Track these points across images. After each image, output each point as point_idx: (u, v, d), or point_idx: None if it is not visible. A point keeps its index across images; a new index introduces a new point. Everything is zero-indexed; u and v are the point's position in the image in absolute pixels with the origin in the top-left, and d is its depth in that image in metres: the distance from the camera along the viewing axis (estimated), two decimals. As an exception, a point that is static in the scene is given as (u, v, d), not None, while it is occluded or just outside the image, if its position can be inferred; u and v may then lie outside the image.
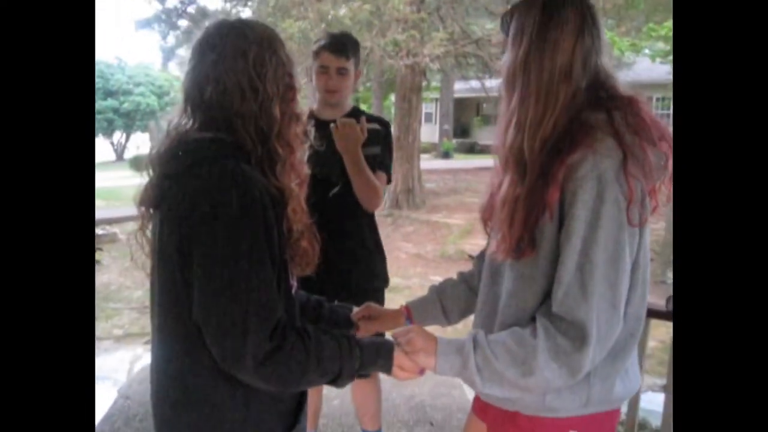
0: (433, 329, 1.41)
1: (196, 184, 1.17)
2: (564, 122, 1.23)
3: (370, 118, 2.54)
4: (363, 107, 23.70)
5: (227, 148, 1.22)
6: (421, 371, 1.32)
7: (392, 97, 17.00)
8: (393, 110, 14.61)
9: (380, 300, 2.60)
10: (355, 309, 1.68)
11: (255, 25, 1.30)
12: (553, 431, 1.33)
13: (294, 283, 1.36)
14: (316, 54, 2.52)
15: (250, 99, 1.23)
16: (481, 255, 1.59)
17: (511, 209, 1.26)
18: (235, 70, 1.23)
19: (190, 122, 1.26)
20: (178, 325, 1.22)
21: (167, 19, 15.64)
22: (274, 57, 1.26)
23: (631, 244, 1.19)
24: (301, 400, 1.38)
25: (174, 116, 1.29)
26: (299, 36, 9.82)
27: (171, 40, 16.03)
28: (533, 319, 1.24)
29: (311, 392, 2.70)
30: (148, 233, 1.31)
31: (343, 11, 10.89)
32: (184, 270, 1.18)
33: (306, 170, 1.35)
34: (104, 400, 3.67)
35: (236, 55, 1.23)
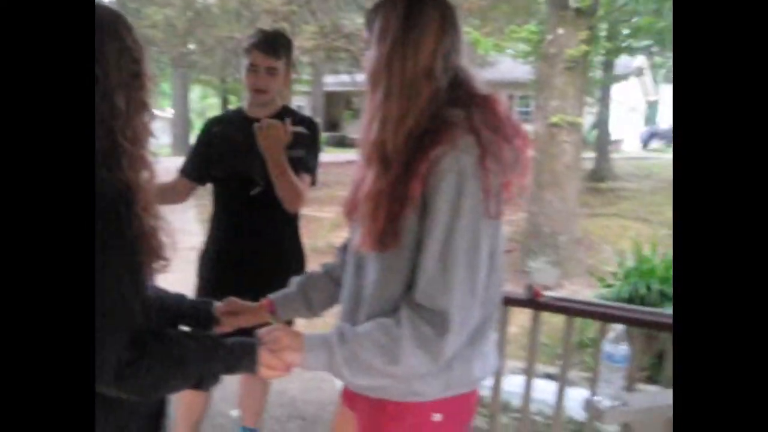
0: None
1: None
2: (426, 119, 1.28)
3: (297, 119, 2.50)
4: (232, 99, 23.22)
5: None
6: (289, 368, 1.32)
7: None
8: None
9: None
10: (217, 304, 1.63)
11: (96, 8, 1.17)
12: (418, 415, 1.38)
13: (149, 283, 1.29)
14: (247, 51, 2.48)
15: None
16: (344, 246, 1.62)
17: (375, 203, 1.29)
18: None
19: None
20: None
21: None
22: (116, 42, 1.16)
23: (488, 235, 1.26)
24: (162, 404, 1.33)
25: None
26: (164, 23, 9.48)
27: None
28: (398, 309, 1.28)
29: (195, 400, 2.65)
30: None
31: (211, 0, 10.62)
32: None
33: (152, 164, 1.25)
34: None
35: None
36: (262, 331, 1.34)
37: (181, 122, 23.52)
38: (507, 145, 1.27)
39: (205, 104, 32.99)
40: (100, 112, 1.13)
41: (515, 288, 2.85)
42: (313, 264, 2.03)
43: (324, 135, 24.97)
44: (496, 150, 1.24)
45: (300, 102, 26.21)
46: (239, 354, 1.27)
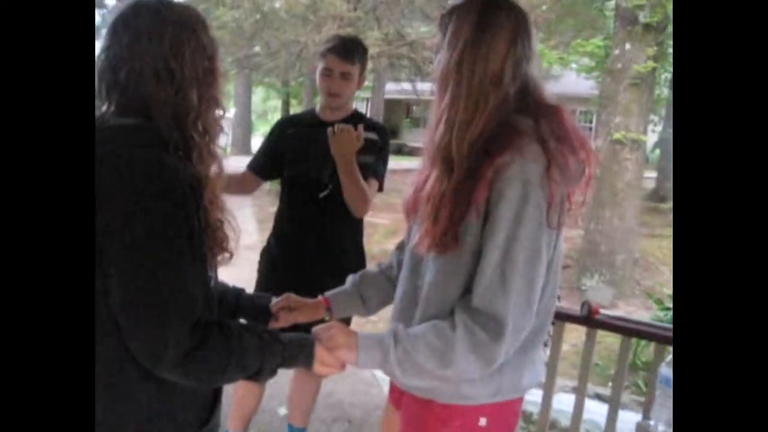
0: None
1: (115, 174, 1.11)
2: (492, 125, 1.28)
3: (369, 126, 2.54)
4: (293, 102, 23.49)
5: (145, 134, 1.17)
6: (343, 366, 1.34)
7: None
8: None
9: None
10: (274, 299, 1.66)
11: (174, 6, 1.24)
12: (465, 418, 1.39)
13: (212, 275, 1.33)
14: (323, 56, 2.53)
15: (165, 82, 1.17)
16: (401, 246, 1.64)
17: (437, 205, 1.30)
18: (150, 51, 1.17)
19: (105, 106, 1.20)
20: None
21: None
22: (192, 39, 1.20)
23: (548, 245, 1.27)
24: (217, 394, 1.35)
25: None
26: (232, 25, 9.67)
27: (97, 18, 15.52)
28: (452, 312, 1.29)
29: (248, 395, 2.70)
30: None
31: (278, 4, 10.79)
32: (100, 263, 1.10)
33: (221, 159, 1.29)
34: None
35: (151, 36, 1.17)
36: (318, 328, 1.36)
37: (243, 123, 23.96)
38: (572, 156, 1.26)
39: (267, 106, 33.46)
40: (175, 105, 1.18)
41: (570, 305, 2.80)
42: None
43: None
44: (561, 160, 1.24)
45: (360, 108, 26.37)
46: (296, 349, 1.30)
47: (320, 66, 2.54)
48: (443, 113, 1.32)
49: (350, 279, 1.73)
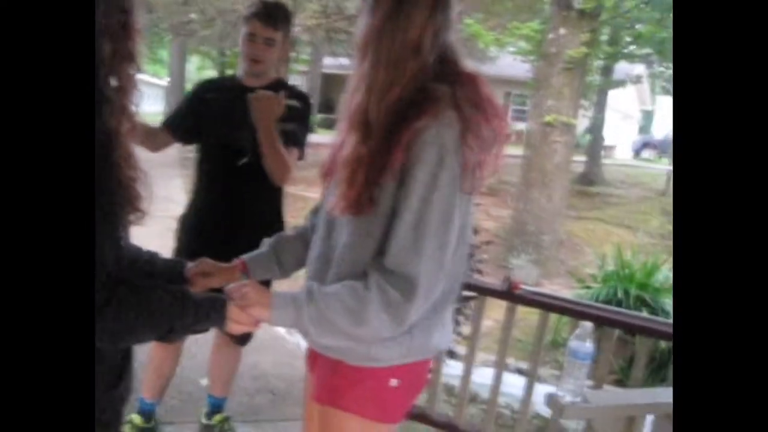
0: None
1: None
2: (410, 91, 1.31)
3: (292, 93, 2.49)
4: (229, 72, 23.07)
5: None
6: (256, 324, 1.35)
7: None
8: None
9: None
10: (189, 264, 1.64)
11: None
12: (375, 379, 1.42)
13: (124, 234, 1.30)
14: (246, 21, 2.47)
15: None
16: (315, 210, 1.65)
17: (353, 168, 1.32)
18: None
19: None
20: None
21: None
22: None
23: (460, 210, 1.30)
24: (126, 357, 1.33)
25: None
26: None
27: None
28: (366, 272, 1.31)
29: (164, 362, 2.67)
30: None
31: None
32: None
33: (135, 115, 1.26)
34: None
35: None
36: (230, 287, 1.37)
37: (177, 91, 23.29)
38: (487, 124, 1.30)
39: (202, 75, 32.73)
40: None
41: (494, 280, 2.86)
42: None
43: (319, 116, 24.96)
44: (476, 127, 1.27)
45: (297, 81, 26.09)
46: (208, 307, 1.29)
47: (243, 31, 2.49)
48: (362, 79, 1.34)
49: (266, 242, 1.73)
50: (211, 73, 22.68)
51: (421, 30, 1.30)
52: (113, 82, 1.20)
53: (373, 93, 1.32)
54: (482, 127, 1.28)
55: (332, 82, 27.41)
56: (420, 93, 1.30)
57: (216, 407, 2.88)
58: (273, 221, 2.64)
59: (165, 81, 24.75)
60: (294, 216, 2.79)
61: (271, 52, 2.50)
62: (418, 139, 1.25)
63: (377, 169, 1.29)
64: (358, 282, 1.30)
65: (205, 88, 2.74)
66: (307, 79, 24.78)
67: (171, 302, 1.24)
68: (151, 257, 1.61)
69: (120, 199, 1.21)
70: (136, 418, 2.70)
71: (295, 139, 2.49)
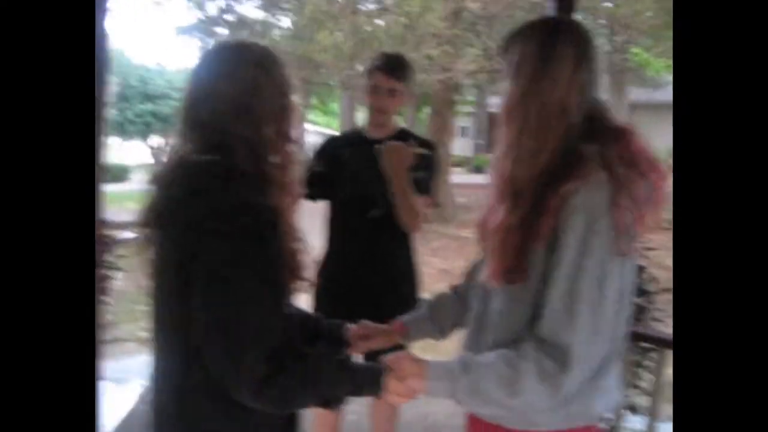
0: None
1: (201, 208, 1.19)
2: (559, 154, 1.26)
3: (418, 141, 2.53)
4: (398, 119, 23.79)
5: (225, 170, 1.23)
6: (413, 395, 1.34)
7: (427, 110, 17.00)
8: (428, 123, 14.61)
9: None
10: (350, 326, 1.67)
11: (252, 46, 1.32)
12: None
13: (289, 302, 1.37)
14: (370, 73, 2.55)
15: (243, 119, 1.24)
16: (474, 267, 1.61)
17: (504, 237, 1.29)
18: (228, 90, 1.25)
19: (188, 144, 1.28)
20: (177, 345, 1.24)
21: (207, 26, 15.89)
22: (269, 77, 1.27)
23: (617, 273, 1.23)
24: (292, 419, 1.39)
25: (173, 137, 1.31)
26: (333, 47, 9.89)
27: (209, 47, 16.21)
28: (521, 340, 1.27)
29: (328, 419, 2.71)
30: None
31: (378, 24, 10.94)
32: (183, 292, 1.18)
33: (298, 189, 1.35)
34: (124, 403, 3.68)
35: (230, 76, 1.25)
36: (388, 357, 1.37)
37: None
38: (642, 180, 1.23)
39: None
40: (253, 141, 1.25)
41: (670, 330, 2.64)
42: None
43: (488, 156, 24.96)
44: (630, 186, 1.21)
45: (464, 123, 26.32)
46: (366, 378, 1.31)
47: (367, 83, 2.54)
48: (509, 147, 1.32)
49: (425, 303, 1.72)
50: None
51: (566, 90, 1.26)
52: (277, 160, 1.28)
53: (522, 161, 1.29)
54: (637, 185, 1.21)
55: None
56: (568, 155, 1.25)
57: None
58: (407, 270, 2.66)
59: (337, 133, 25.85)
60: (466, 259, 2.76)
61: (393, 103, 2.53)
62: (567, 204, 1.20)
63: (528, 238, 1.26)
64: (512, 351, 1.27)
65: (333, 143, 2.77)
66: (474, 120, 24.93)
67: (333, 371, 1.27)
68: (316, 320, 1.67)
69: (285, 269, 1.28)
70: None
71: (426, 186, 2.49)
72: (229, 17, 15.93)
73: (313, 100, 24.32)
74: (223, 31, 16.11)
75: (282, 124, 1.29)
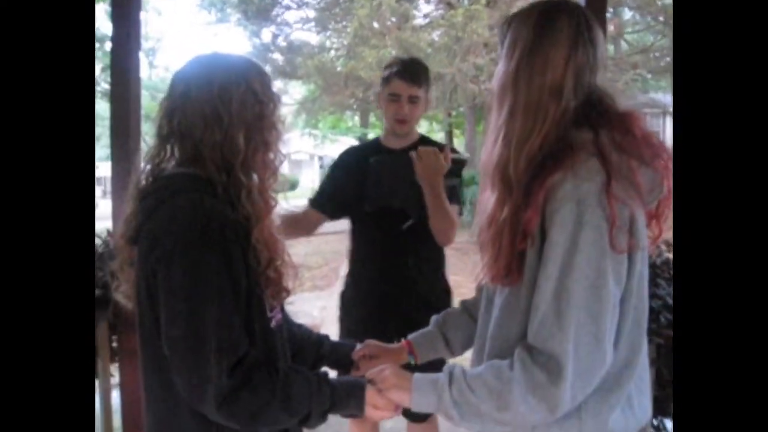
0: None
1: (161, 220, 1.19)
2: (551, 141, 1.16)
3: (439, 148, 2.33)
4: (456, 132, 23.62)
5: (193, 181, 1.23)
6: (396, 409, 1.28)
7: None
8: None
9: None
10: (358, 346, 1.60)
11: (226, 57, 1.30)
12: None
13: (273, 315, 1.33)
14: (387, 81, 2.39)
15: (212, 127, 1.22)
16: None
17: (498, 231, 1.19)
18: (199, 99, 1.23)
19: (164, 154, 1.28)
20: (154, 360, 1.23)
21: (261, 53, 16.25)
22: (242, 85, 1.24)
23: (616, 272, 1.09)
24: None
25: (151, 149, 1.30)
26: (376, 64, 9.88)
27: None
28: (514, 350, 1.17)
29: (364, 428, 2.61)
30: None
31: (424, 37, 10.91)
32: (153, 306, 1.18)
33: (272, 199, 1.31)
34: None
35: (202, 85, 1.24)
36: (371, 372, 1.32)
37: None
38: (643, 168, 1.11)
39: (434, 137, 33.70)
40: (223, 149, 1.23)
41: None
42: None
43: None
44: (627, 174, 1.09)
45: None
46: (345, 393, 1.27)
47: (385, 92, 2.39)
48: (500, 129, 1.21)
49: (433, 320, 1.63)
50: (439, 136, 23.35)
51: (560, 72, 1.16)
52: (248, 169, 1.26)
53: (513, 144, 1.18)
54: (636, 173, 1.09)
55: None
56: (559, 143, 1.14)
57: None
58: (437, 284, 2.51)
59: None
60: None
61: (415, 111, 2.39)
62: (553, 196, 1.09)
63: (520, 234, 1.14)
64: (504, 361, 1.16)
65: (352, 155, 2.64)
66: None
67: (307, 388, 1.23)
68: (319, 340, 1.61)
69: (262, 281, 1.26)
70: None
71: (457, 194, 2.34)
72: (282, 42, 16.26)
73: (372, 118, 24.41)
74: (278, 57, 16.44)
75: (256, 133, 1.26)
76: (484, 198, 1.29)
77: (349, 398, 1.26)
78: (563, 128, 1.16)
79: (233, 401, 1.14)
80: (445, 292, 2.53)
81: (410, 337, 1.61)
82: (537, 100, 1.16)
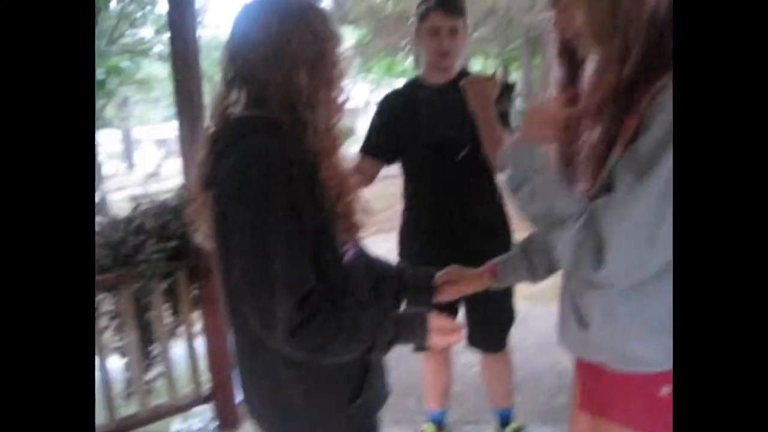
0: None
1: (229, 163, 1.24)
2: (646, 53, 1.13)
3: (495, 75, 2.30)
4: (514, 66, 23.04)
5: (260, 123, 1.27)
6: (458, 335, 1.33)
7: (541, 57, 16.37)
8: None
9: None
10: (438, 273, 1.61)
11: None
12: (642, 388, 1.23)
13: (345, 250, 1.35)
14: (424, 15, 2.32)
15: (274, 68, 1.25)
16: None
17: (590, 151, 1.21)
18: (260, 41, 1.26)
19: (230, 98, 1.32)
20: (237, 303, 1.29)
21: None
22: (301, 24, 1.27)
23: None
24: (366, 368, 1.37)
25: (217, 94, 1.34)
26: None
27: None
28: None
29: (439, 368, 2.72)
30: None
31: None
32: (227, 245, 1.25)
33: (339, 136, 1.33)
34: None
35: (260, 27, 1.27)
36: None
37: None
38: None
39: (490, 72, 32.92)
40: (284, 87, 1.26)
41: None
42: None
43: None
44: None
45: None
46: (408, 323, 1.31)
47: (423, 27, 2.33)
48: (596, 49, 1.21)
49: (518, 244, 1.63)
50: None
51: None
52: (313, 106, 1.27)
53: (610, 64, 1.16)
54: None
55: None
56: (654, 53, 1.13)
57: (504, 418, 2.78)
58: (498, 212, 2.50)
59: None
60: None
61: (458, 43, 2.32)
62: (654, 101, 1.09)
63: (612, 145, 1.17)
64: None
65: (395, 97, 2.60)
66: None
67: (371, 319, 1.28)
68: (400, 270, 1.64)
69: (332, 216, 1.29)
70: (429, 428, 2.77)
71: (508, 119, 2.29)
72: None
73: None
74: (328, 2, 16.22)
75: (318, 71, 1.28)
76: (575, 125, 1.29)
77: (412, 327, 1.31)
78: (658, 40, 1.13)
79: (300, 334, 1.19)
80: (503, 219, 2.51)
81: (494, 260, 1.62)
82: (633, 13, 1.13)
